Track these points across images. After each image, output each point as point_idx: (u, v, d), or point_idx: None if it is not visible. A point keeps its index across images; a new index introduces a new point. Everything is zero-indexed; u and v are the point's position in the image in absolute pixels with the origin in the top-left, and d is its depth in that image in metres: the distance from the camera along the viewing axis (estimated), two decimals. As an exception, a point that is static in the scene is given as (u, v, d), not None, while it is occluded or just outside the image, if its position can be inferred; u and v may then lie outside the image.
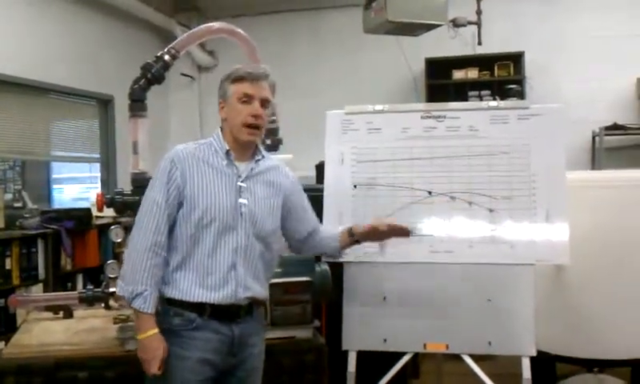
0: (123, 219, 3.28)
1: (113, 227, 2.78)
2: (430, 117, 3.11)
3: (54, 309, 2.85)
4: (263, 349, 2.31)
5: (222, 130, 2.24)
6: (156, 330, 2.08)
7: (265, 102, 2.19)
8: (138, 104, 2.92)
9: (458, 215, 2.99)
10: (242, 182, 2.19)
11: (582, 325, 3.27)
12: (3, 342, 3.51)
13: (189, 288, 2.11)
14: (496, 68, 6.75)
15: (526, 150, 2.99)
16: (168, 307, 2.14)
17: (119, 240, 2.78)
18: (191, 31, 3.26)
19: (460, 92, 6.63)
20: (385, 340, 2.96)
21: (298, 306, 2.65)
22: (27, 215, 4.54)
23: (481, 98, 6.51)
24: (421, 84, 6.94)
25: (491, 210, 2.97)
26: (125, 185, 2.97)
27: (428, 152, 3.06)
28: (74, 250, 4.79)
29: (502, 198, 2.96)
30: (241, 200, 2.16)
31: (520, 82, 6.61)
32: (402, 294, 2.98)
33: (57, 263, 4.63)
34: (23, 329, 2.79)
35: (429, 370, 3.97)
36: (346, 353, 3.00)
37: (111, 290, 2.66)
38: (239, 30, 3.32)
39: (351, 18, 5.88)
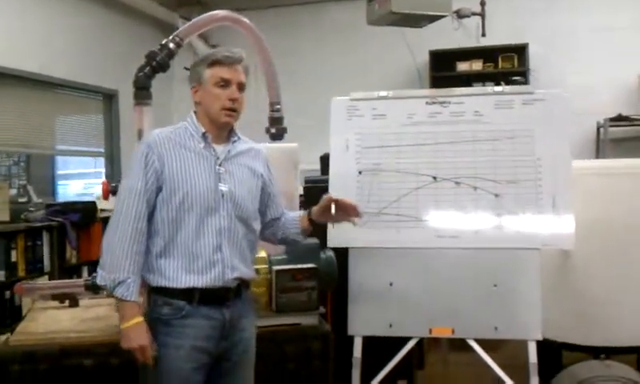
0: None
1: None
2: (434, 102, 3.10)
3: (60, 297, 2.85)
4: (254, 333, 2.26)
5: (195, 114, 2.21)
6: (141, 319, 2.03)
7: (241, 86, 2.17)
8: (142, 92, 2.92)
9: (464, 200, 2.98)
10: (220, 164, 2.16)
11: (588, 312, 3.26)
12: (9, 334, 3.51)
13: (175, 274, 2.07)
14: (500, 60, 6.75)
15: (531, 135, 2.98)
16: (156, 296, 2.10)
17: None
18: (195, 19, 3.24)
19: (464, 84, 6.57)
20: (390, 325, 2.96)
21: (304, 293, 2.63)
22: (32, 208, 4.54)
23: (485, 89, 6.50)
24: (425, 76, 6.95)
25: (496, 195, 2.96)
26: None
27: (433, 137, 3.06)
28: (79, 243, 4.80)
29: (507, 183, 2.96)
30: (221, 182, 2.13)
31: (524, 73, 6.61)
32: (408, 279, 2.97)
33: (62, 256, 4.65)
34: (29, 317, 2.79)
35: (434, 360, 3.96)
36: (351, 340, 3.00)
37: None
38: (244, 19, 3.27)
39: (355, 10, 5.89)
